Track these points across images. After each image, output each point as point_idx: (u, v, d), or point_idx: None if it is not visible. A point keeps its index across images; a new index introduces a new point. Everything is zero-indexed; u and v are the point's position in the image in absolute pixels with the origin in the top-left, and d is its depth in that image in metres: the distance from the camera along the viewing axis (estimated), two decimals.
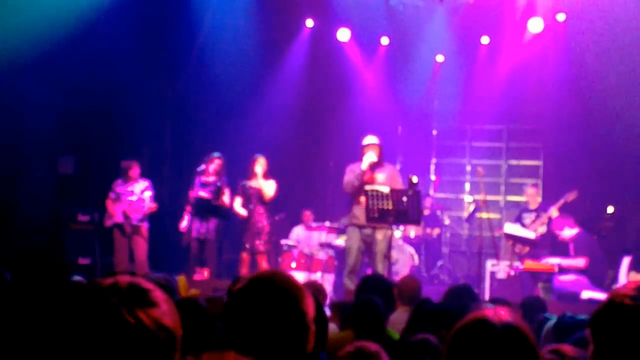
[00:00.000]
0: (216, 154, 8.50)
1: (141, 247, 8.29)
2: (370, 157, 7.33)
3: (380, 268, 7.22)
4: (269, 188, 8.29)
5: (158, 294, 1.15)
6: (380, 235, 7.29)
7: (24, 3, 7.88)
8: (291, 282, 1.73)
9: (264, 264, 8.29)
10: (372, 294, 3.92)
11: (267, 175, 8.38)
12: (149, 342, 1.09)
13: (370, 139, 7.46)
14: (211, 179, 8.42)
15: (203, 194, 8.36)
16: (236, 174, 8.90)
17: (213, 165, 8.42)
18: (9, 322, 2.21)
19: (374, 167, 7.37)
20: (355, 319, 3.57)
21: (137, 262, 8.24)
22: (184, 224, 8.46)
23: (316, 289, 4.56)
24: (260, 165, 8.31)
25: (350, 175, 7.41)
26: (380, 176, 7.35)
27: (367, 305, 3.60)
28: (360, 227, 7.39)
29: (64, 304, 1.08)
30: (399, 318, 4.33)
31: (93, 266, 8.59)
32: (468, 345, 1.52)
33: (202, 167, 8.44)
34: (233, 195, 8.46)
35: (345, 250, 7.61)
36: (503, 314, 1.55)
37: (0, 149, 8.69)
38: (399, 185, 7.29)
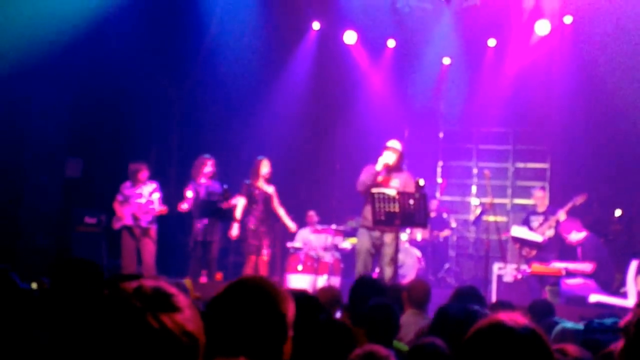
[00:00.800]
0: (207, 155, 8.51)
1: (149, 249, 8.29)
2: (385, 158, 7.35)
3: (388, 271, 7.22)
4: (274, 198, 8.36)
5: (182, 299, 1.15)
6: (388, 238, 7.30)
7: (31, 5, 7.91)
8: (271, 286, 1.73)
9: (265, 267, 8.31)
10: (365, 296, 3.90)
11: (270, 179, 8.41)
12: (172, 347, 1.09)
13: (391, 143, 7.51)
14: (204, 181, 8.41)
15: (208, 197, 8.35)
16: (243, 175, 8.91)
17: (207, 167, 8.42)
18: (43, 329, 2.22)
19: (390, 170, 7.38)
20: (370, 322, 3.54)
21: (145, 265, 8.25)
22: (184, 206, 8.39)
23: (332, 295, 4.53)
24: (265, 167, 8.35)
25: (364, 174, 7.43)
26: (394, 181, 7.36)
27: (383, 309, 3.58)
28: (370, 229, 7.38)
29: (101, 311, 1.07)
30: (408, 321, 4.32)
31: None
32: (487, 348, 1.52)
33: (202, 170, 8.41)
34: (235, 195, 8.47)
35: (356, 253, 7.62)
36: (518, 318, 1.55)
37: (7, 151, 8.71)
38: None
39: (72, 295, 2.57)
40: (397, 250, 7.15)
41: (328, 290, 4.74)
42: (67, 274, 2.74)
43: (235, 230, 8.36)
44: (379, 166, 7.32)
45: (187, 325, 1.12)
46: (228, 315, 1.67)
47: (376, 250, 7.45)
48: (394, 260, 7.25)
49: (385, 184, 7.32)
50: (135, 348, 1.06)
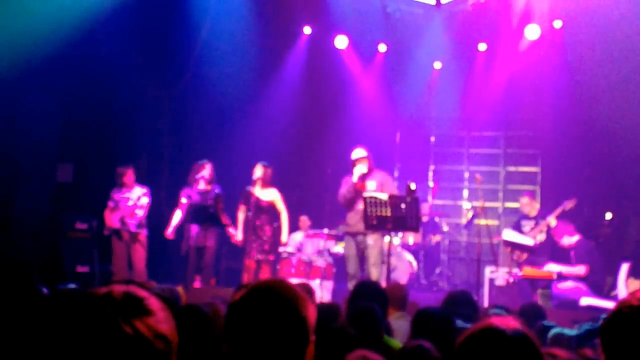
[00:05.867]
0: (204, 160, 8.51)
1: (139, 254, 8.27)
2: (359, 169, 7.49)
3: (374, 272, 7.35)
4: (278, 202, 8.38)
5: (153, 302, 1.15)
6: (371, 240, 7.46)
7: (21, 11, 7.89)
8: (292, 290, 1.71)
9: (266, 273, 8.30)
10: (367, 300, 3.92)
11: (268, 182, 8.38)
12: (146, 351, 1.09)
13: (358, 153, 7.61)
14: (207, 187, 8.40)
15: (202, 202, 8.35)
16: (234, 181, 8.90)
17: (206, 171, 8.41)
18: None
19: (363, 177, 7.52)
20: (357, 325, 3.55)
21: (136, 270, 8.23)
22: (169, 230, 8.40)
23: (306, 290, 4.57)
24: (256, 172, 8.32)
25: (344, 187, 7.63)
26: (371, 184, 7.49)
27: (364, 311, 3.60)
28: (354, 234, 7.58)
29: (35, 311, 1.07)
30: (397, 323, 4.34)
31: (91, 274, 8.57)
32: (480, 352, 1.53)
33: (200, 174, 8.42)
34: (236, 203, 8.48)
35: (345, 259, 7.80)
36: (510, 322, 1.56)
37: None
38: (391, 189, 7.42)
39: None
40: (387, 253, 7.14)
41: (302, 287, 4.77)
42: None
43: (239, 235, 8.39)
44: (354, 178, 7.49)
45: (160, 328, 1.12)
46: (249, 321, 1.64)
47: (361, 253, 7.59)
48: (379, 262, 7.37)
49: (362, 189, 7.46)
50: (109, 354, 1.06)
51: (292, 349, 1.64)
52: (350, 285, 7.40)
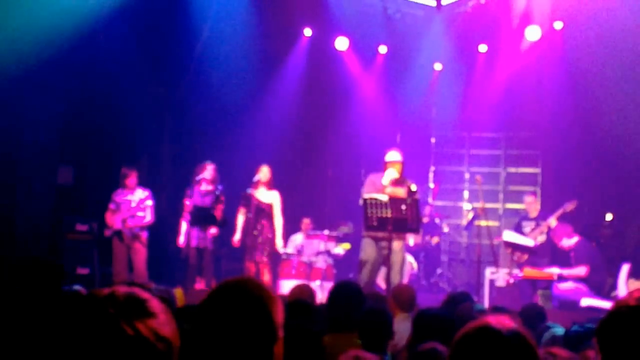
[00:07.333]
0: (208, 161, 8.51)
1: (140, 256, 8.26)
2: (392, 173, 7.35)
3: (398, 278, 7.20)
4: (276, 206, 8.34)
5: (155, 304, 1.15)
6: (397, 246, 7.27)
7: (22, 13, 7.89)
8: (261, 288, 1.73)
9: (266, 275, 8.29)
10: (345, 301, 3.90)
11: (271, 185, 8.38)
12: (147, 353, 1.10)
13: (394, 156, 7.48)
14: (208, 187, 8.41)
15: (202, 203, 8.36)
16: (235, 183, 8.90)
17: (208, 172, 8.41)
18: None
19: (395, 183, 7.38)
20: (364, 327, 3.54)
21: (136, 271, 8.23)
22: (181, 239, 8.41)
23: (308, 292, 4.56)
24: (261, 174, 8.31)
25: (370, 187, 7.40)
26: (399, 191, 7.32)
27: (378, 314, 3.58)
28: (377, 239, 7.37)
29: (59, 312, 1.07)
30: (400, 326, 4.33)
31: (92, 276, 8.57)
32: (474, 351, 1.53)
33: (200, 176, 8.43)
34: (237, 205, 8.48)
35: (361, 262, 7.53)
36: (506, 321, 1.56)
37: None
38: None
39: (22, 295, 2.53)
40: (404, 258, 7.06)
41: (300, 288, 4.78)
42: (16, 274, 2.70)
43: (237, 237, 8.40)
44: (385, 180, 7.32)
45: (162, 330, 1.12)
46: (214, 319, 1.66)
47: (383, 259, 7.36)
48: (403, 268, 7.26)
49: (392, 195, 7.26)
50: (110, 355, 1.06)
51: (259, 345, 1.65)
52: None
